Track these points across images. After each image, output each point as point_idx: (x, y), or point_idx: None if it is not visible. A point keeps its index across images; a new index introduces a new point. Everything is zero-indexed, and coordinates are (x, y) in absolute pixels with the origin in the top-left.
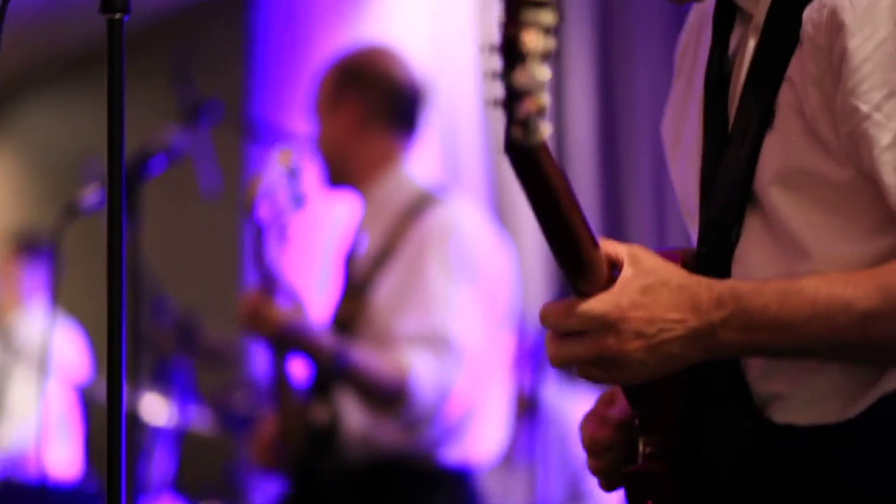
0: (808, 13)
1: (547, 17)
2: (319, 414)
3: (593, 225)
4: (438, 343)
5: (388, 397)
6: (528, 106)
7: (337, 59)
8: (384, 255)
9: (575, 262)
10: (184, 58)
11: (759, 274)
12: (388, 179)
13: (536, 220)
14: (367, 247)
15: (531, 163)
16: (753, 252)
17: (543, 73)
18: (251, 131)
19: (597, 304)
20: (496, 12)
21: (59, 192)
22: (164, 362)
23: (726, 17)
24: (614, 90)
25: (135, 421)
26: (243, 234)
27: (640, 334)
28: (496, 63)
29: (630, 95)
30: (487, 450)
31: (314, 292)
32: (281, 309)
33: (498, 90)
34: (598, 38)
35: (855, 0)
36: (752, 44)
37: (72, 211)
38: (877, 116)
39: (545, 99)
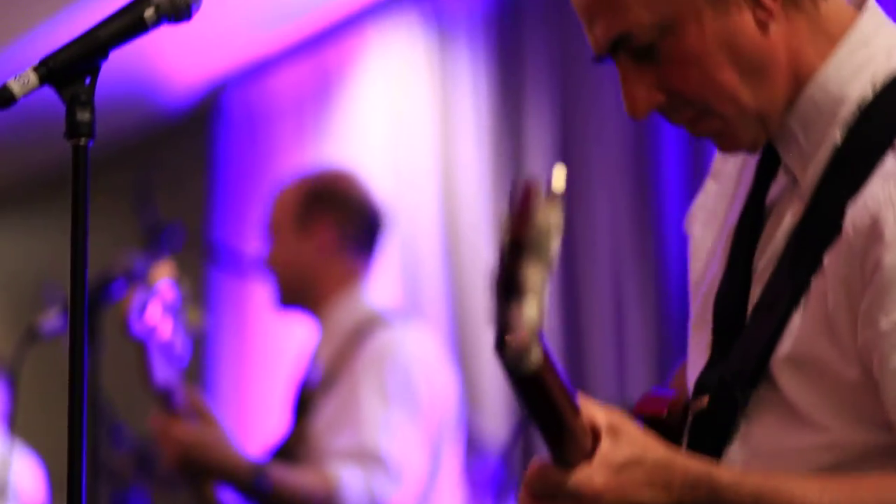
0: (852, 212)
1: (552, 246)
2: None
3: (551, 344)
4: (369, 459)
5: None
6: (521, 338)
7: (302, 179)
8: (330, 379)
9: (556, 435)
10: (145, 182)
11: (766, 445)
12: (344, 303)
13: (523, 407)
14: (319, 372)
15: (525, 384)
16: (761, 425)
17: (543, 305)
18: (213, 255)
19: (573, 477)
20: (459, 139)
21: (19, 315)
22: (122, 490)
23: (770, 163)
24: (575, 208)
25: None
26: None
27: None
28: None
29: (591, 211)
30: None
31: (269, 419)
32: (186, 429)
33: (492, 311)
34: (559, 151)
35: None
36: (795, 209)
37: (32, 335)
38: (895, 337)
39: (540, 321)
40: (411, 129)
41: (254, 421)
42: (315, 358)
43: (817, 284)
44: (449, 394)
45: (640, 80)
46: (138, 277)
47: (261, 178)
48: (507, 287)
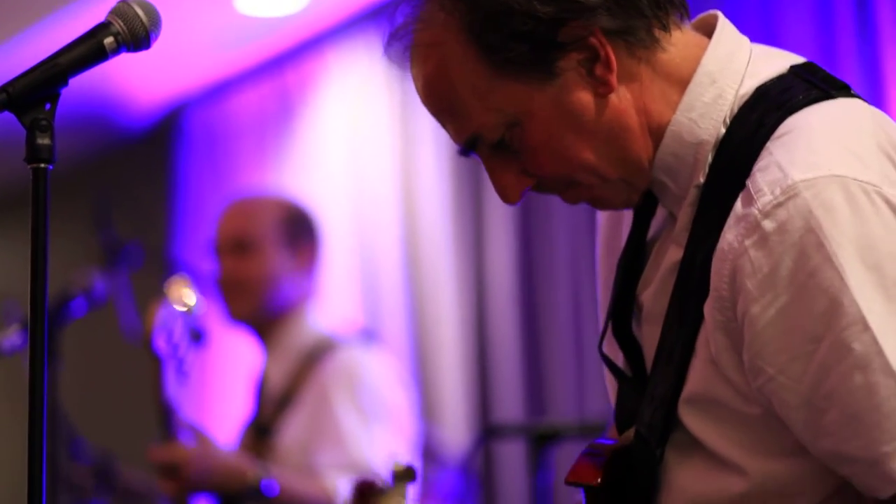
0: (715, 263)
1: None
2: None
3: (513, 367)
4: (358, 469)
5: None
6: None
7: (275, 199)
8: (287, 398)
9: None
10: (104, 200)
11: (692, 492)
12: (293, 325)
13: None
14: (271, 389)
15: None
16: (682, 471)
17: None
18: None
19: None
20: (419, 159)
21: None
22: (83, 503)
23: (649, 201)
24: (533, 238)
25: None
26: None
27: None
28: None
29: (549, 242)
30: None
31: (221, 428)
32: (188, 449)
33: None
34: None
35: (756, 264)
36: (672, 254)
37: None
38: (781, 379)
39: None
40: (371, 149)
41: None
42: (265, 377)
43: (703, 332)
44: (406, 410)
45: (505, 169)
46: (96, 297)
47: (221, 198)
48: None
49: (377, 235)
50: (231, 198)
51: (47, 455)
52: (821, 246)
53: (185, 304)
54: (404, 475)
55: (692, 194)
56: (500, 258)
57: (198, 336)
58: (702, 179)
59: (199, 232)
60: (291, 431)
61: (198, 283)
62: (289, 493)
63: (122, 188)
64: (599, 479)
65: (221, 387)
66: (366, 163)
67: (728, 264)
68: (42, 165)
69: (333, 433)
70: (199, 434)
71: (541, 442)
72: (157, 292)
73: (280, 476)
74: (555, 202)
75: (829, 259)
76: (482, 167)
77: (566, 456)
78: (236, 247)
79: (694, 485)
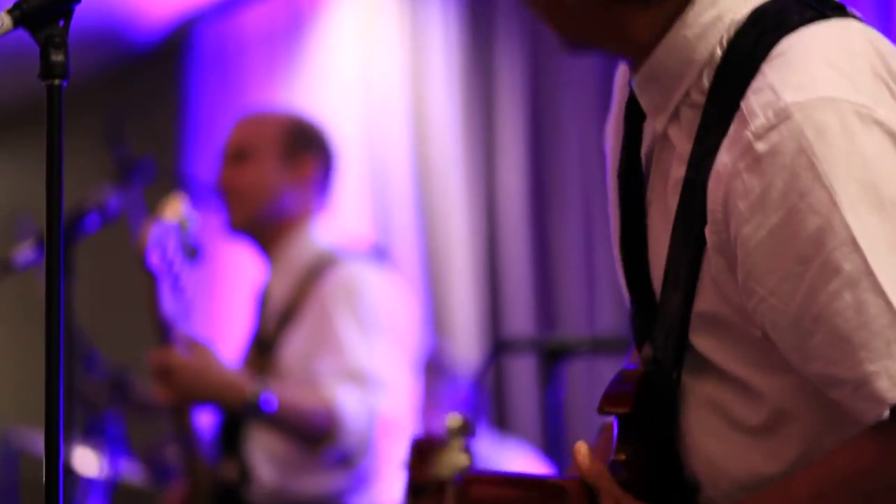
0: (711, 184)
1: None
2: (229, 471)
3: (524, 282)
4: (356, 376)
5: (318, 431)
6: None
7: (282, 112)
8: (289, 313)
9: None
10: (117, 117)
11: (710, 417)
12: (295, 240)
13: None
14: (273, 304)
15: None
16: (698, 395)
17: None
18: (184, 189)
19: None
20: (429, 73)
21: None
22: (97, 416)
23: (638, 112)
24: (545, 153)
25: (67, 473)
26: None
27: None
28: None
29: (561, 158)
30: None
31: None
32: (184, 357)
33: None
34: (529, 101)
35: (748, 185)
36: (676, 171)
37: (5, 267)
38: (772, 300)
39: None
40: (382, 64)
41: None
42: (267, 292)
43: (706, 256)
44: (412, 322)
45: None
46: (110, 212)
47: (231, 112)
48: None
49: (388, 151)
50: (241, 113)
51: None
52: (812, 167)
53: (179, 221)
54: (460, 429)
55: (691, 114)
56: (512, 173)
57: (194, 252)
58: (703, 101)
59: (210, 147)
60: (293, 346)
61: (204, 196)
62: (288, 407)
63: (132, 104)
64: (630, 408)
65: (226, 303)
66: (376, 78)
67: (722, 186)
68: (56, 82)
69: (332, 342)
70: (197, 346)
71: (552, 357)
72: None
73: (279, 390)
74: (567, 118)
75: (819, 180)
76: (492, 76)
77: (577, 371)
78: (236, 156)
79: (710, 406)
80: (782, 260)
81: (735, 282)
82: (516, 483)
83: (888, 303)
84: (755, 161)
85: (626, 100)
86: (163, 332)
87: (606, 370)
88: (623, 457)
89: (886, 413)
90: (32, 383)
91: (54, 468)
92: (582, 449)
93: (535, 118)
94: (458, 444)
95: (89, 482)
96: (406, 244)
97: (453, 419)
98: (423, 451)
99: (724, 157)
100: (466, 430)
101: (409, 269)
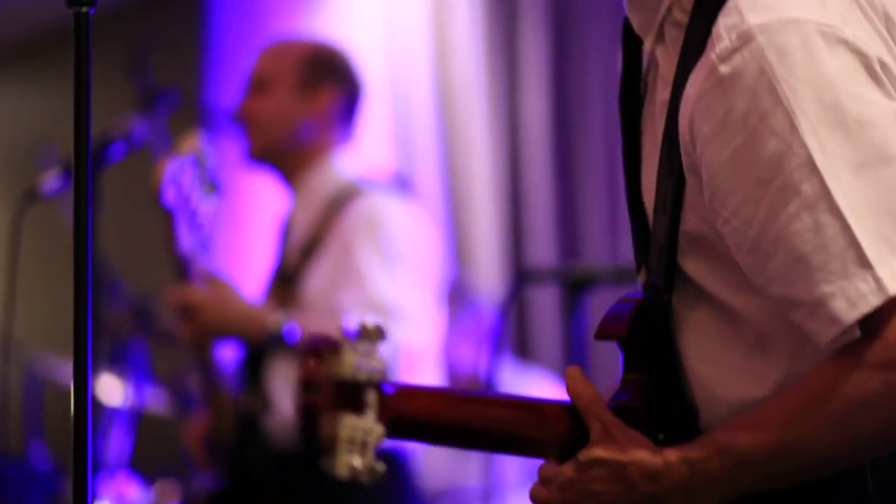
0: (682, 107)
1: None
2: (251, 402)
3: (547, 211)
4: (378, 308)
5: None
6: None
7: (303, 41)
8: (312, 245)
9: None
10: (141, 46)
11: (702, 342)
12: (317, 171)
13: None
14: (296, 236)
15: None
16: (690, 320)
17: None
18: (208, 119)
19: (554, 469)
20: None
21: (14, 176)
22: (121, 345)
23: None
24: (568, 81)
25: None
26: None
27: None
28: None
29: (583, 86)
30: None
31: (248, 277)
32: (204, 293)
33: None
34: (552, 29)
35: (711, 107)
36: (661, 92)
37: (31, 196)
38: (734, 222)
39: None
40: None
41: (245, 281)
42: (290, 223)
43: (687, 180)
44: (434, 254)
45: None
46: (135, 141)
47: (255, 42)
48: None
49: (410, 82)
50: (265, 42)
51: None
52: (772, 90)
53: (195, 156)
54: (372, 332)
55: (675, 34)
56: (534, 102)
57: (212, 187)
58: (678, 16)
59: (233, 76)
60: (315, 279)
61: (227, 127)
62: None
63: (156, 33)
64: (625, 332)
65: (249, 235)
66: (399, 5)
67: (689, 108)
68: (83, 10)
69: (354, 275)
70: (216, 281)
71: (575, 287)
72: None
73: (302, 321)
74: (590, 45)
75: (780, 103)
76: (517, 11)
77: (600, 301)
78: (256, 86)
79: (704, 328)
80: (743, 182)
81: (705, 203)
82: (463, 400)
83: (845, 225)
84: (719, 83)
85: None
86: (181, 268)
87: None
88: (627, 383)
89: (841, 333)
90: (57, 312)
91: (83, 396)
92: (574, 373)
93: (558, 46)
94: (365, 346)
95: (113, 411)
96: (428, 174)
97: (366, 320)
98: (320, 349)
99: (694, 79)
100: (378, 335)
101: (432, 200)
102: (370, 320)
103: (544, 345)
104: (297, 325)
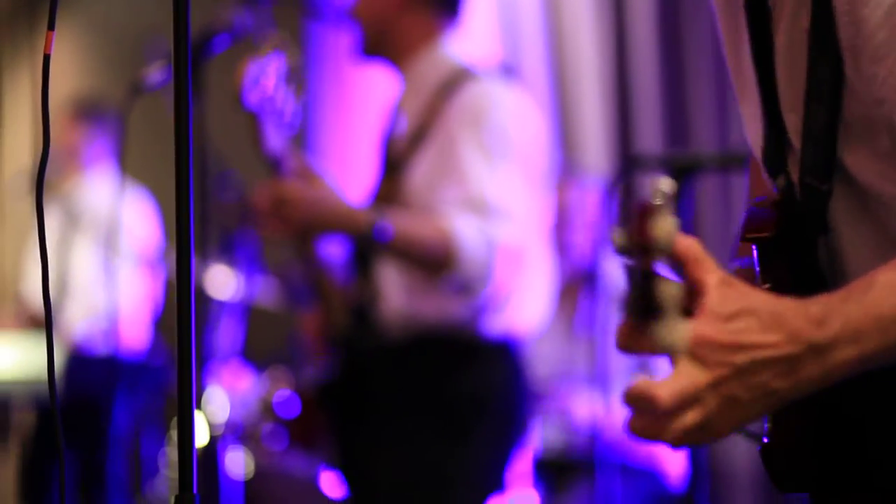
0: None
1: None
2: (360, 292)
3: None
4: (478, 205)
5: (436, 259)
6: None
7: None
8: (420, 133)
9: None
10: None
11: (858, 235)
12: (426, 57)
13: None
14: (405, 124)
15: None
16: (849, 216)
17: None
18: (312, 9)
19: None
20: None
21: (123, 68)
22: (230, 236)
23: None
24: None
25: (202, 293)
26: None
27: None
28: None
29: None
30: (530, 320)
31: (356, 171)
32: (297, 188)
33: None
34: None
35: None
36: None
37: (137, 87)
38: (892, 81)
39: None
40: None
41: (351, 174)
42: (399, 111)
43: (845, 59)
44: (541, 141)
45: None
46: (239, 32)
47: None
48: (646, 309)
49: None
50: None
51: (195, 189)
52: None
53: (279, 56)
54: (671, 195)
55: None
56: (642, 14)
57: (300, 86)
58: None
59: None
60: (419, 170)
61: (333, 19)
62: (404, 236)
63: None
64: (772, 231)
65: (358, 130)
66: None
67: None
68: None
69: (456, 171)
70: (311, 176)
71: (682, 173)
72: (296, 28)
73: (396, 219)
74: None
75: None
76: None
77: (707, 187)
78: None
79: (855, 230)
80: None
81: (863, 78)
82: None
83: None
84: None
85: None
86: (273, 167)
87: (737, 186)
88: (767, 285)
89: None
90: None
91: (186, 286)
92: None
93: None
94: (669, 209)
95: (223, 302)
96: (535, 62)
97: (664, 182)
98: (644, 215)
99: None
100: (675, 196)
101: (538, 87)
102: (666, 181)
103: None
104: (391, 223)
